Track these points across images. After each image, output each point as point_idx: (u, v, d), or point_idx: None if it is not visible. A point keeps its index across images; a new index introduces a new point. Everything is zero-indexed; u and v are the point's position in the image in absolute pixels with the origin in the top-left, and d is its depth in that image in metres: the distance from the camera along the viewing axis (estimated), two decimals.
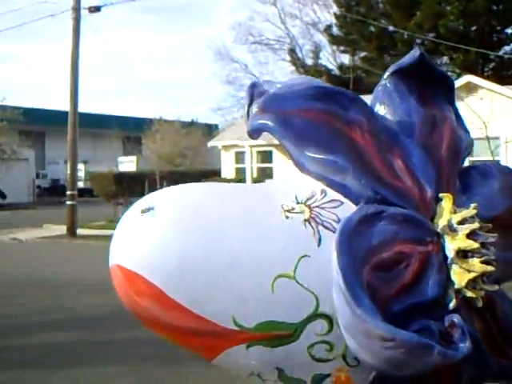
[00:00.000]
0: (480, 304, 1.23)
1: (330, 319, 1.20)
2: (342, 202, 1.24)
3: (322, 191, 1.25)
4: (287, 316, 1.19)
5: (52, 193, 34.65)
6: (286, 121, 1.25)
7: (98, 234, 17.57)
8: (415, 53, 1.35)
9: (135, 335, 7.10)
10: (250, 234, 1.20)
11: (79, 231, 17.99)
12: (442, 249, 1.23)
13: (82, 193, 25.91)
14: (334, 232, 1.19)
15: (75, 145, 17.50)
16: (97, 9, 17.03)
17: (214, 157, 24.41)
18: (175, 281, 1.18)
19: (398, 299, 1.18)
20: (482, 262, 1.20)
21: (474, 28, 17.98)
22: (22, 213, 25.70)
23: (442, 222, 1.24)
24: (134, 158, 25.79)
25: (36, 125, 34.79)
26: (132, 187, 19.31)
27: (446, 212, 1.24)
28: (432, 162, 1.29)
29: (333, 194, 1.25)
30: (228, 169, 21.37)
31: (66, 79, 17.38)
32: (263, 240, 1.20)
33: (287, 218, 1.22)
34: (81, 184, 26.77)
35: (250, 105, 1.31)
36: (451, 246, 1.22)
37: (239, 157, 21.07)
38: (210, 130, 27.61)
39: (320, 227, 1.22)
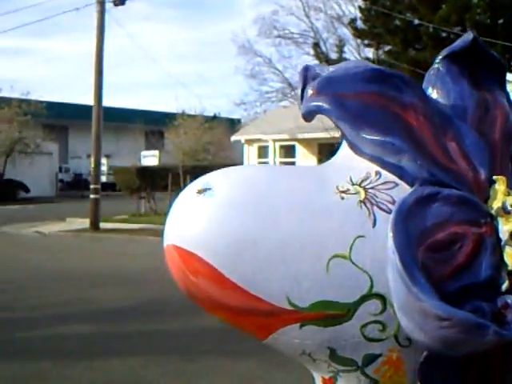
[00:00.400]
0: None
1: (383, 299, 1.21)
2: (397, 184, 1.25)
3: (377, 173, 1.26)
4: (341, 296, 1.20)
5: (74, 187, 34.95)
6: (341, 103, 1.26)
7: (121, 227, 17.70)
8: (468, 36, 1.35)
9: (159, 328, 7.19)
10: (306, 214, 1.22)
11: (102, 225, 18.11)
12: (496, 231, 1.23)
13: (105, 187, 26.08)
14: (388, 213, 1.21)
15: (99, 139, 17.63)
16: (121, 2, 17.09)
17: (237, 151, 24.45)
18: (232, 261, 1.20)
19: (452, 280, 1.19)
20: None
21: (500, 21, 17.82)
22: (45, 206, 25.98)
23: (495, 205, 1.24)
24: (156, 153, 25.90)
25: (59, 119, 35.07)
26: (155, 181, 19.39)
27: (500, 194, 1.25)
28: (485, 145, 1.29)
29: (387, 176, 1.26)
30: (251, 163, 21.40)
31: (90, 73, 17.49)
32: (319, 220, 1.22)
33: (342, 198, 1.23)
34: (103, 178, 26.93)
35: (303, 88, 1.32)
36: (505, 228, 1.22)
37: (262, 151, 21.11)
38: (233, 125, 27.63)
39: (375, 208, 1.23)
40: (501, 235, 1.23)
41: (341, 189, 1.25)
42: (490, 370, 1.28)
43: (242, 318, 1.25)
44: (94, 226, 17.32)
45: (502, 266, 1.22)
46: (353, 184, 1.26)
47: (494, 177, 1.27)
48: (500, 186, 1.26)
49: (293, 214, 1.22)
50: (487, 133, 1.33)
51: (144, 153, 28.61)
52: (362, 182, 1.26)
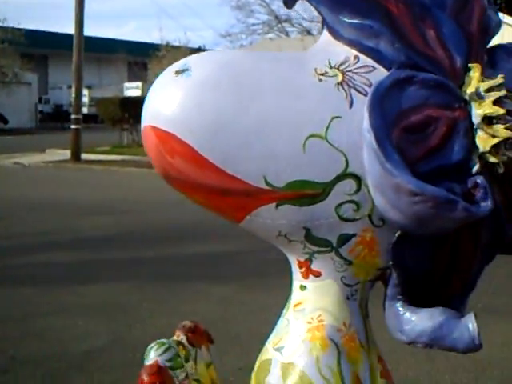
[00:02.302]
0: (501, 170, 1.27)
1: (358, 179, 1.24)
2: (375, 68, 1.27)
3: (355, 57, 1.28)
4: (317, 175, 1.23)
5: (55, 118, 34.55)
6: None
7: (103, 159, 17.66)
8: None
9: (142, 254, 7.28)
10: (284, 95, 1.24)
11: (84, 156, 18.03)
12: (469, 115, 1.26)
13: (87, 119, 25.79)
14: (365, 95, 1.23)
15: (80, 68, 17.38)
16: None
17: None
18: (209, 140, 1.22)
19: (424, 162, 1.22)
20: (506, 128, 1.23)
21: None
22: (25, 138, 25.78)
23: (469, 90, 1.27)
24: (139, 84, 25.56)
25: (39, 48, 34.28)
26: (138, 113, 19.11)
27: (474, 80, 1.27)
28: (462, 34, 1.31)
29: (366, 60, 1.27)
30: None
31: (71, 1, 17.08)
32: (296, 101, 1.23)
33: (320, 80, 1.25)
34: (85, 110, 26.59)
35: None
36: (477, 112, 1.25)
37: None
38: None
39: (352, 90, 1.24)
40: (473, 119, 1.25)
41: (319, 71, 1.26)
42: (460, 252, 1.32)
43: (219, 199, 1.28)
44: (76, 156, 17.24)
45: (473, 150, 1.25)
46: (331, 67, 1.27)
47: (470, 64, 1.29)
48: (475, 72, 1.28)
49: (270, 94, 1.23)
50: (465, 23, 1.34)
51: (127, 84, 28.23)
52: (341, 65, 1.27)
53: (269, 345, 1.40)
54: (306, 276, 1.36)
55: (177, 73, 1.24)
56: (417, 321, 1.29)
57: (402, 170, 1.15)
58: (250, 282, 5.90)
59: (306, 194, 1.24)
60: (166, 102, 1.23)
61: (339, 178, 1.23)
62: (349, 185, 1.24)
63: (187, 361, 1.42)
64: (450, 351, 1.28)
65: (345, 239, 1.29)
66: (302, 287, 1.37)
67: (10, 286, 5.83)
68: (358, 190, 1.25)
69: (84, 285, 5.95)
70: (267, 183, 1.23)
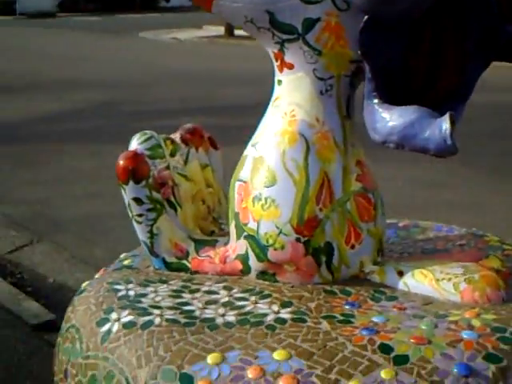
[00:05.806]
0: None
1: None
2: None
3: None
4: None
5: None
6: None
7: None
8: None
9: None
10: None
11: (237, 32, 18.23)
12: None
13: None
14: None
15: None
16: None
17: None
18: None
19: None
20: None
21: None
22: (183, 15, 26.37)
23: None
24: None
25: None
26: None
27: None
28: None
29: None
30: None
31: None
32: None
33: None
34: None
35: None
36: None
37: None
38: None
39: None
40: None
41: None
42: (443, 49, 1.22)
43: None
44: (229, 32, 17.47)
45: None
46: None
47: None
48: None
49: None
50: None
51: None
52: None
53: (250, 142, 1.40)
54: (281, 69, 1.32)
55: None
56: (389, 118, 1.22)
57: None
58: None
59: None
60: None
61: None
62: None
63: (173, 155, 1.46)
64: (422, 152, 1.20)
65: (309, 24, 1.23)
66: (279, 82, 1.34)
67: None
68: None
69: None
70: None
